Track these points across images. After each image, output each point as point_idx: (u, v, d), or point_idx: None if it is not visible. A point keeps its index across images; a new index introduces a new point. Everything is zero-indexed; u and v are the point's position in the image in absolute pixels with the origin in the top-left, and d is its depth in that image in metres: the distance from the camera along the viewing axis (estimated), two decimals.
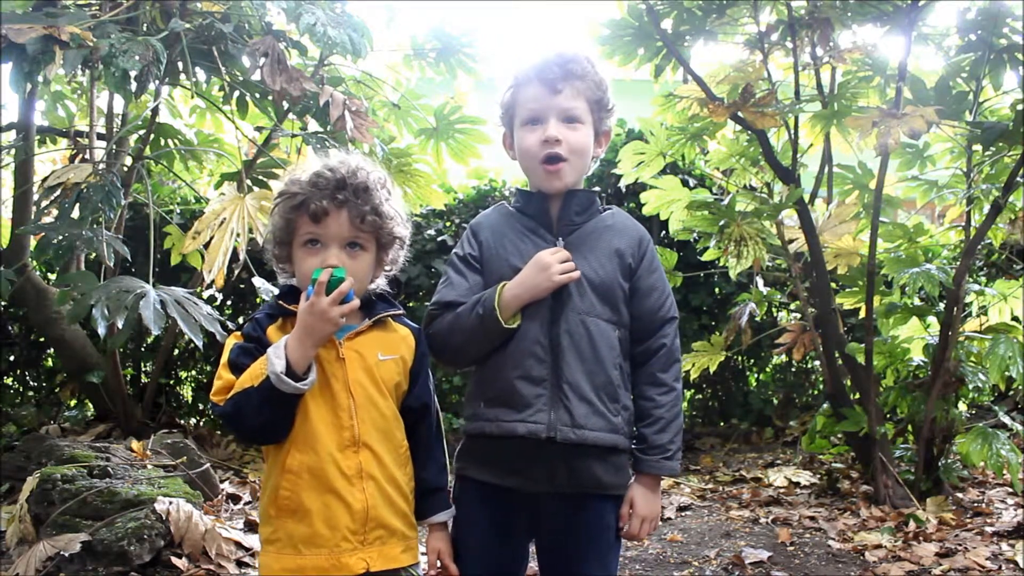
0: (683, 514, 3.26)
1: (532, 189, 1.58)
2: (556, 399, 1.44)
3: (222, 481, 3.40)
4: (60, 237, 2.55)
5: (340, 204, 1.37)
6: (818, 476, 3.70)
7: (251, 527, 2.86)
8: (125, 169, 3.37)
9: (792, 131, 3.41)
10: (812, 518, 3.11)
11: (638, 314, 1.53)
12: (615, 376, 1.48)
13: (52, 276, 4.23)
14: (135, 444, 3.01)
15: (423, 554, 1.49)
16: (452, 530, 1.52)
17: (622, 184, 3.87)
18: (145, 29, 2.79)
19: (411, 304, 4.53)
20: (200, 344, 2.52)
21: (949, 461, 3.32)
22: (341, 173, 1.38)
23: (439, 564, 1.49)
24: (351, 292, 1.33)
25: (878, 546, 2.74)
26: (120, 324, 2.38)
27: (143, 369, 4.64)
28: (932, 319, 3.46)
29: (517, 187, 1.65)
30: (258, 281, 2.80)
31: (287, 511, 1.34)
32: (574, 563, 1.50)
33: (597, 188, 1.59)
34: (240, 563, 2.55)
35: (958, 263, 3.25)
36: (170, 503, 2.51)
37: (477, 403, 1.51)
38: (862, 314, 3.40)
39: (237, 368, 1.35)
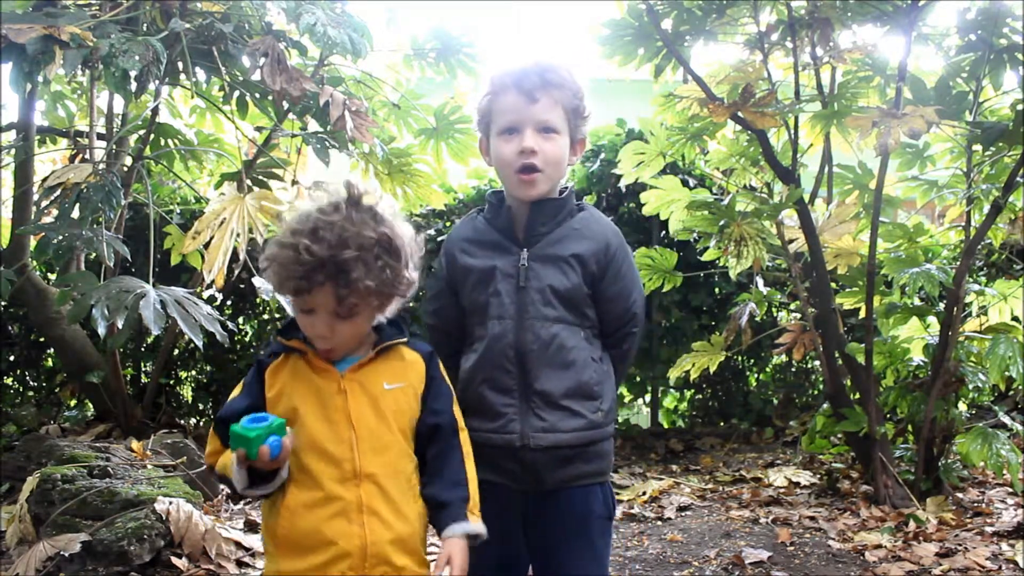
0: (683, 514, 3.26)
1: (507, 196, 1.57)
2: (526, 408, 1.47)
3: None
4: (60, 237, 2.55)
5: (320, 284, 1.28)
6: (818, 476, 3.70)
7: (251, 527, 2.86)
8: (125, 169, 3.37)
9: (792, 131, 3.41)
10: (812, 518, 3.11)
11: (602, 319, 1.55)
12: (589, 375, 1.49)
13: (52, 276, 4.23)
14: (135, 444, 3.01)
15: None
16: None
17: (622, 184, 3.86)
18: (145, 29, 2.79)
19: (411, 304, 4.50)
20: (200, 344, 2.52)
21: (949, 461, 3.32)
22: (325, 248, 1.26)
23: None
24: (278, 447, 1.25)
25: (878, 546, 2.74)
26: (120, 324, 2.38)
27: (143, 369, 4.64)
28: (932, 319, 3.45)
29: (492, 190, 1.63)
30: (258, 281, 2.80)
31: (285, 547, 1.31)
32: (564, 554, 1.51)
33: (569, 187, 1.59)
34: (240, 563, 2.55)
35: (958, 263, 3.25)
36: (170, 503, 2.51)
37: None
38: (862, 314, 3.40)
39: (222, 429, 1.31)
